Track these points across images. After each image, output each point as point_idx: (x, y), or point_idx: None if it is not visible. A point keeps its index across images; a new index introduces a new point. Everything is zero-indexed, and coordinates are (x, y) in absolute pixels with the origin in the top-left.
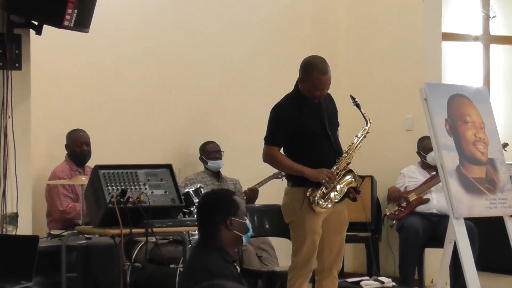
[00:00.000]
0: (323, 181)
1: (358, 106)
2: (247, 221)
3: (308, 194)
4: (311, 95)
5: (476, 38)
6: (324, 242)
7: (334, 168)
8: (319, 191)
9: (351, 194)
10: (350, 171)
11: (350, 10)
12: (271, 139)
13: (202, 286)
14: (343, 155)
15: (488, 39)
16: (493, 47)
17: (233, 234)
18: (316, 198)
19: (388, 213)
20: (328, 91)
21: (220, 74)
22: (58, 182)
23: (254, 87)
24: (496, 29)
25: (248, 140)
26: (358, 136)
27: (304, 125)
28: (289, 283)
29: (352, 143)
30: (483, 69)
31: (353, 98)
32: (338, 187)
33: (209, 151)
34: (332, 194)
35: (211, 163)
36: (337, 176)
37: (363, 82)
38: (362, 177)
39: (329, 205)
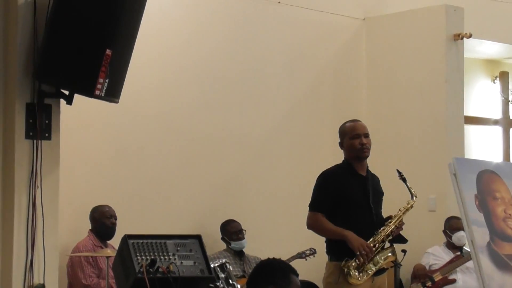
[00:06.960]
0: (358, 253)
1: (404, 180)
2: None
3: (342, 265)
4: (355, 149)
5: (495, 122)
6: None
7: (370, 240)
8: (353, 262)
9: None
10: (391, 246)
11: (372, 90)
12: (316, 205)
13: None
14: (382, 228)
15: (508, 123)
16: None
17: None
18: (349, 269)
19: None
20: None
21: (242, 151)
22: (84, 254)
23: (276, 164)
24: None
25: (270, 217)
26: (401, 209)
27: (347, 194)
28: None
29: (394, 215)
30: (503, 152)
31: (399, 172)
32: (374, 259)
33: (231, 232)
34: (367, 266)
35: (235, 244)
36: (374, 249)
37: (385, 162)
38: (404, 251)
39: (364, 277)
